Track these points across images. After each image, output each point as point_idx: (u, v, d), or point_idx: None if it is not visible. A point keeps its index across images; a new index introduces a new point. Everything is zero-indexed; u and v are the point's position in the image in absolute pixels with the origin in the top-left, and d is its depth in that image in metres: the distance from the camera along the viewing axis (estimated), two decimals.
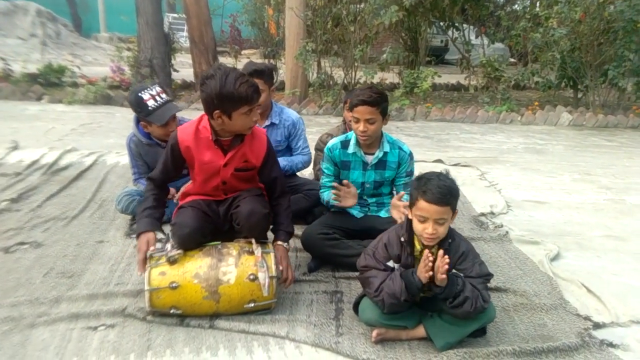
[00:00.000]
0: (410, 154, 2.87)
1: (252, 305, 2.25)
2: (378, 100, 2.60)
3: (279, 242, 2.44)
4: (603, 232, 3.48)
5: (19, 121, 6.10)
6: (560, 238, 3.32)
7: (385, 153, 2.77)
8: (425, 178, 2.03)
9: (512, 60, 10.81)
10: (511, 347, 2.10)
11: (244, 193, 2.44)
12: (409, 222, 2.10)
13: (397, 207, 2.61)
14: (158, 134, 2.97)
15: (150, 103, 2.88)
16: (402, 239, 2.11)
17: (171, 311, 2.20)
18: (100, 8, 18.90)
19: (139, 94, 2.89)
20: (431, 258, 1.92)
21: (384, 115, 2.68)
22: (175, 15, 17.34)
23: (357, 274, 2.61)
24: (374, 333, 2.13)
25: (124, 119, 6.44)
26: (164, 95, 2.92)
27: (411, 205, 2.06)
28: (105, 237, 3.06)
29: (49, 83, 8.12)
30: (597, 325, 2.34)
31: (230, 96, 2.15)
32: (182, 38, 13.63)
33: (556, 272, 2.83)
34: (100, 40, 17.11)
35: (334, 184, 2.74)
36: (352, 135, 2.78)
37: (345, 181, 2.74)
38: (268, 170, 2.49)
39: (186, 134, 2.35)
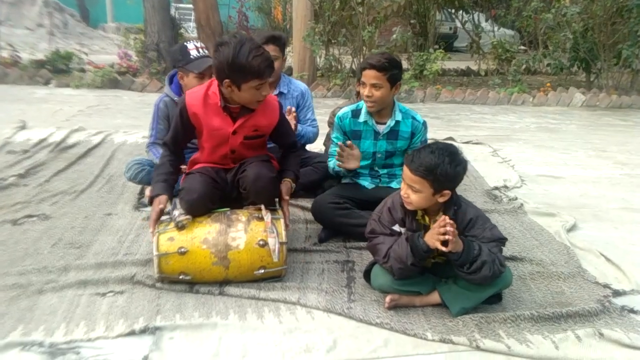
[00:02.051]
0: (424, 123, 2.81)
1: (262, 271, 2.21)
2: (385, 66, 2.53)
3: (285, 178, 2.43)
4: (620, 204, 3.40)
5: (26, 103, 6.09)
6: (577, 210, 3.25)
7: (397, 122, 2.71)
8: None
9: (522, 47, 10.63)
10: (529, 312, 2.04)
11: (250, 159, 2.39)
12: None
13: None
14: (192, 85, 2.95)
15: (193, 52, 2.90)
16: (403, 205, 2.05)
17: (180, 277, 2.16)
18: None
19: (185, 44, 2.96)
20: (449, 221, 1.83)
21: (393, 83, 2.60)
22: (182, 5, 17.28)
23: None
24: (387, 299, 2.07)
25: (131, 101, 6.41)
26: (205, 51, 2.94)
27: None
28: (114, 210, 3.03)
29: (57, 69, 8.10)
30: (617, 293, 2.27)
31: (241, 68, 2.09)
32: (190, 28, 13.61)
33: (573, 242, 2.76)
34: (108, 31, 17.10)
35: (339, 143, 2.66)
36: (363, 104, 2.72)
37: (349, 142, 2.65)
38: (284, 136, 2.48)
39: (194, 98, 2.30)
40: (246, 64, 2.08)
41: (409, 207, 2.00)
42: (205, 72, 2.90)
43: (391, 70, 2.55)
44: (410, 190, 1.93)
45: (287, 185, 2.42)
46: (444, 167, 1.87)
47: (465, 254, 1.87)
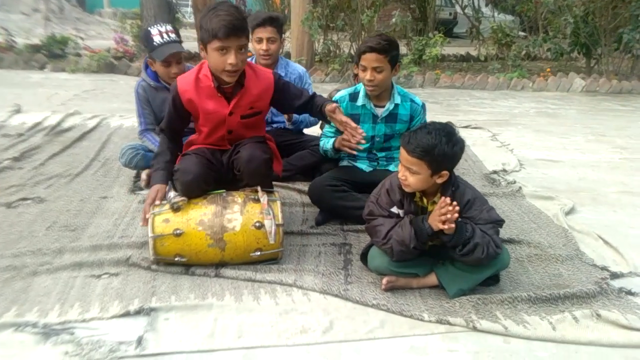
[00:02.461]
0: (423, 106, 2.78)
1: (259, 254, 2.19)
2: (386, 48, 2.49)
3: (327, 105, 2.27)
4: (619, 188, 3.38)
5: (21, 87, 6.03)
6: (575, 194, 3.23)
7: (397, 105, 2.68)
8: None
9: (522, 33, 10.54)
10: (526, 293, 2.03)
11: (245, 140, 2.36)
12: None
13: None
14: (160, 73, 2.94)
15: (157, 39, 2.83)
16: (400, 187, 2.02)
17: (176, 259, 2.14)
18: None
19: (149, 29, 2.88)
20: (448, 202, 1.81)
21: (394, 64, 2.57)
22: None
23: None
24: (384, 280, 2.06)
25: (127, 85, 6.34)
26: (172, 35, 2.86)
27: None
28: (109, 193, 3.00)
29: (52, 54, 8.00)
30: (615, 275, 2.26)
31: (204, 27, 2.08)
32: (187, 13, 13.45)
33: (571, 225, 2.74)
34: (104, 16, 16.92)
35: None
36: (361, 87, 2.68)
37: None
38: (293, 98, 2.38)
39: (186, 83, 2.26)
40: (207, 23, 2.07)
41: (407, 190, 1.98)
42: (170, 59, 2.84)
43: (391, 52, 2.52)
44: (407, 172, 1.91)
45: (333, 107, 2.24)
46: (442, 147, 1.84)
47: (457, 236, 1.85)
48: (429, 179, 1.91)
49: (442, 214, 1.81)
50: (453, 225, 1.82)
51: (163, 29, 2.86)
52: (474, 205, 1.98)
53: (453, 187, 1.97)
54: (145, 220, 2.16)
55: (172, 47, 2.84)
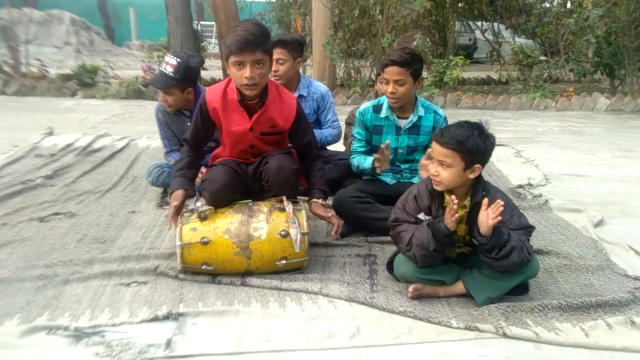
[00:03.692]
0: (446, 118, 2.79)
1: (284, 262, 2.21)
2: (408, 61, 2.52)
3: (314, 199, 2.38)
4: None
5: (54, 113, 6.25)
6: (604, 207, 3.17)
7: (420, 117, 2.70)
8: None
9: (543, 57, 10.54)
10: (557, 301, 1.99)
11: (272, 152, 2.40)
12: None
13: (426, 167, 2.52)
14: (163, 98, 3.02)
15: (161, 66, 2.97)
16: (430, 190, 2.03)
17: (203, 267, 2.17)
18: (132, 18, 19.36)
19: (165, 57, 3.00)
20: (456, 201, 1.82)
21: (416, 77, 2.59)
22: (204, 22, 17.62)
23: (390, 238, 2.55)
24: (410, 288, 2.04)
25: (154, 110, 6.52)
26: (169, 68, 2.88)
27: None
28: (137, 208, 3.07)
29: (83, 83, 8.30)
30: None
31: (225, 42, 2.17)
32: (211, 45, 13.80)
33: (601, 236, 2.69)
34: (132, 48, 17.53)
35: (381, 146, 2.59)
36: (384, 99, 2.71)
37: (387, 142, 2.59)
38: (301, 135, 2.43)
39: (214, 94, 2.33)
40: (226, 39, 2.15)
41: (438, 188, 1.97)
42: (158, 89, 3.00)
43: (414, 65, 2.54)
44: (440, 167, 1.92)
45: (318, 207, 2.39)
46: (475, 139, 1.86)
47: (495, 239, 1.83)
48: (462, 173, 1.91)
49: (451, 210, 1.82)
50: (485, 229, 1.81)
51: (167, 59, 2.93)
52: (505, 210, 1.94)
53: (483, 192, 1.96)
54: (173, 221, 2.20)
55: (155, 80, 3.00)
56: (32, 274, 2.21)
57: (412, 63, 2.54)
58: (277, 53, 3.09)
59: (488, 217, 1.80)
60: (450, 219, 1.85)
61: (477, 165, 1.90)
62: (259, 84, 2.21)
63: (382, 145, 2.58)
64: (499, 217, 1.78)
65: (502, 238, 1.83)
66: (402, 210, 2.11)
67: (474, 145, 1.86)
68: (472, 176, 1.92)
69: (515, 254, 1.84)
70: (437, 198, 2.02)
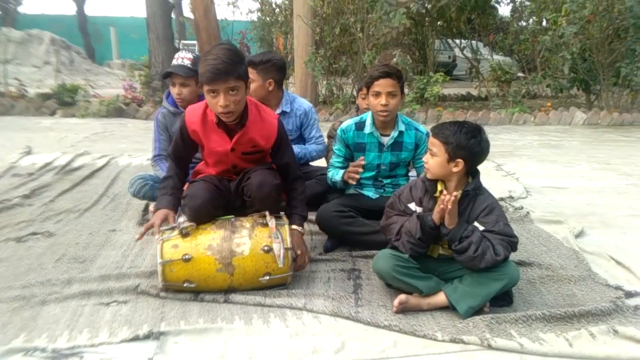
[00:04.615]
0: (428, 134, 2.80)
1: (268, 278, 2.18)
2: (399, 74, 2.58)
3: (294, 227, 2.35)
4: (627, 212, 3.37)
5: (32, 132, 6.16)
6: (584, 218, 3.22)
7: (401, 133, 2.71)
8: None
9: (521, 74, 10.78)
10: (540, 312, 2.00)
11: (254, 167, 2.38)
12: None
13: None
14: (174, 92, 3.01)
15: (173, 61, 2.97)
16: (425, 183, 2.11)
17: (184, 285, 2.13)
18: (113, 37, 19.33)
19: (178, 52, 3.04)
20: (447, 196, 1.91)
21: (402, 92, 2.63)
22: (186, 41, 17.65)
23: (374, 252, 2.55)
24: (395, 302, 2.04)
25: (136, 128, 6.49)
26: (186, 61, 2.94)
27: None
28: (118, 227, 3.02)
29: (62, 102, 8.21)
30: (629, 294, 2.22)
31: (199, 69, 2.15)
32: None
33: (582, 247, 2.73)
34: (113, 67, 17.45)
35: (360, 161, 2.64)
36: (367, 116, 2.72)
37: (362, 160, 2.65)
38: (280, 155, 2.42)
39: (194, 115, 2.31)
40: (200, 68, 2.14)
41: (428, 175, 2.08)
42: (174, 79, 2.96)
43: (401, 79, 2.60)
44: (430, 155, 2.05)
45: (296, 236, 2.31)
46: (459, 135, 1.98)
47: (454, 231, 1.95)
48: (445, 165, 2.01)
49: (442, 204, 1.93)
50: (449, 220, 1.94)
51: (182, 55, 2.98)
52: (493, 212, 2.03)
53: (477, 191, 2.05)
54: (142, 235, 2.16)
55: (175, 68, 2.94)
56: (8, 295, 2.14)
57: (401, 76, 2.60)
58: (249, 73, 3.08)
59: (437, 207, 1.96)
60: (436, 211, 1.97)
61: (460, 160, 1.98)
62: (235, 110, 2.18)
63: (358, 160, 2.63)
64: (450, 206, 1.90)
65: (461, 231, 1.95)
66: (397, 198, 2.21)
67: (457, 139, 1.98)
68: (455, 170, 2.00)
69: (472, 248, 1.92)
70: (430, 187, 2.10)
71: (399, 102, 2.60)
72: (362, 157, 2.66)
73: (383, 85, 2.53)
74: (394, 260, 2.09)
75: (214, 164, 2.41)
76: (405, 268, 2.08)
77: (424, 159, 2.10)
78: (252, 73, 3.04)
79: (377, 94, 2.55)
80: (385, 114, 2.59)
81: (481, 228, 1.98)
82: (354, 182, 2.68)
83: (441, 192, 2.03)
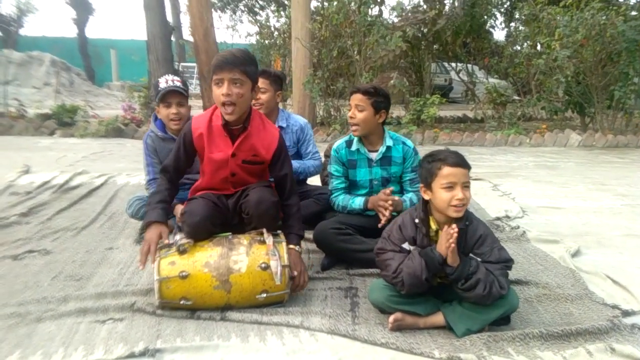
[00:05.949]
0: (414, 149, 2.86)
1: (265, 295, 2.18)
2: (371, 92, 2.67)
3: (291, 246, 2.35)
4: (623, 232, 3.39)
5: (31, 151, 6.19)
6: (580, 237, 3.23)
7: (389, 147, 2.77)
8: (434, 153, 2.03)
9: (516, 97, 10.94)
10: (538, 330, 1.99)
11: (252, 185, 2.40)
12: (424, 202, 2.05)
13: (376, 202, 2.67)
14: (163, 116, 3.03)
15: (162, 84, 2.99)
16: (417, 220, 2.05)
17: (181, 302, 2.12)
18: (113, 59, 19.53)
19: (158, 79, 3.07)
20: (455, 230, 1.84)
21: (377, 109, 2.68)
22: (185, 63, 17.83)
23: (372, 270, 2.56)
24: (391, 319, 2.03)
25: (134, 147, 6.51)
26: (177, 82, 3.00)
27: (428, 183, 2.01)
28: (115, 245, 3.02)
29: (62, 122, 8.26)
30: (626, 313, 2.22)
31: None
32: (192, 86, 13.92)
33: (578, 266, 2.73)
34: (112, 88, 17.58)
35: (386, 191, 2.66)
36: None
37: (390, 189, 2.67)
38: (279, 166, 2.44)
39: (200, 121, 2.37)
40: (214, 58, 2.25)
41: (462, 212, 1.94)
42: (170, 99, 2.98)
43: (375, 97, 2.66)
44: (464, 189, 1.94)
45: (293, 255, 2.30)
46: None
47: (460, 269, 1.88)
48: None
49: (448, 238, 1.84)
50: (451, 259, 1.85)
51: (169, 77, 3.04)
52: (486, 242, 1.99)
53: (467, 222, 1.99)
54: (146, 259, 2.14)
55: (172, 90, 2.99)
56: (4, 312, 2.14)
57: (374, 94, 2.66)
58: (260, 83, 3.15)
59: (447, 239, 1.86)
60: (444, 245, 1.87)
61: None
62: (237, 104, 2.23)
63: (385, 191, 2.65)
64: (453, 244, 1.83)
65: (467, 269, 1.87)
66: (387, 240, 2.13)
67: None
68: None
69: (480, 287, 1.86)
70: (422, 227, 2.04)
71: (368, 117, 2.67)
72: (391, 188, 2.68)
73: (352, 99, 2.70)
74: (387, 290, 2.07)
75: (212, 172, 2.41)
76: (400, 297, 2.04)
77: (460, 196, 1.93)
78: (265, 83, 3.16)
79: (350, 108, 2.72)
80: (353, 127, 2.71)
81: (475, 258, 1.95)
82: (388, 215, 2.60)
83: (437, 232, 2.00)
